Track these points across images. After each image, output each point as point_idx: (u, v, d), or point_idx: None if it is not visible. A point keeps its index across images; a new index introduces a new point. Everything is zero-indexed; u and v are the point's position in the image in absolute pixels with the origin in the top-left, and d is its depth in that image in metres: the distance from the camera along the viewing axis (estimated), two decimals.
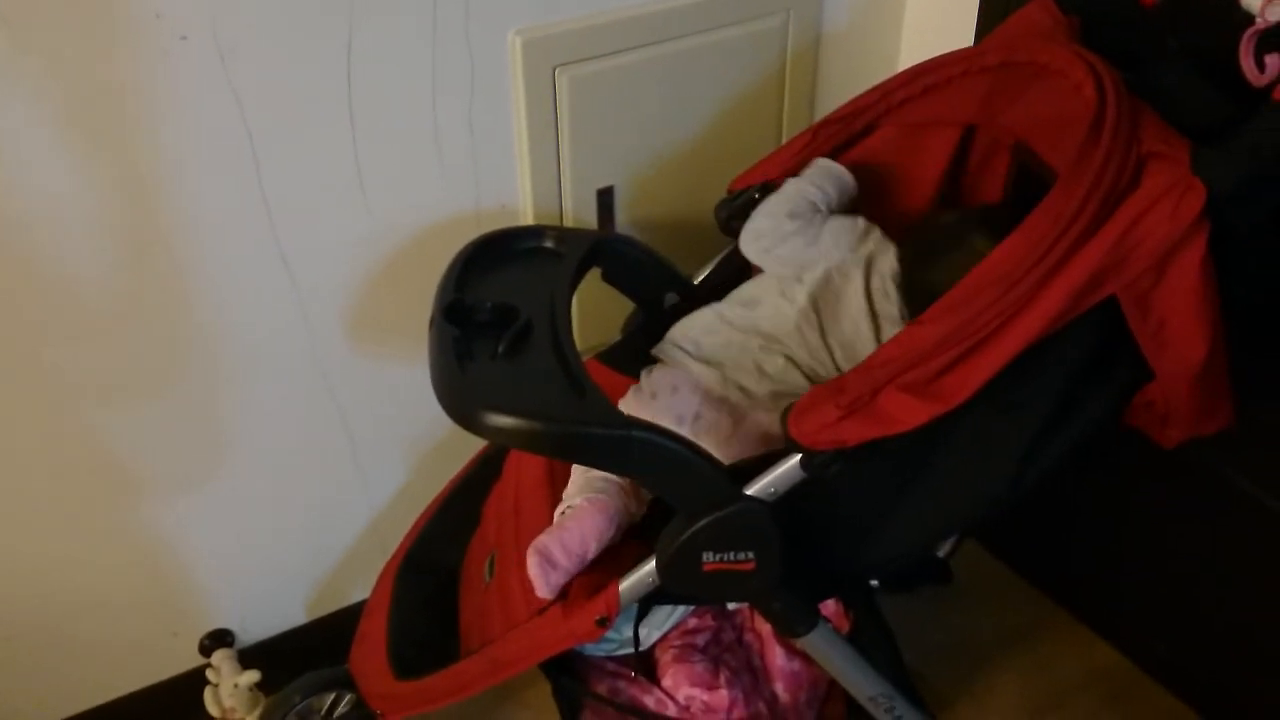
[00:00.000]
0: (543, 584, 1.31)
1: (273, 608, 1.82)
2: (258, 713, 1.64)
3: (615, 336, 1.61)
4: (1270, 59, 1.15)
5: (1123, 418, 1.33)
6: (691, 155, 1.75)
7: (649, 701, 1.58)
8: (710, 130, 1.75)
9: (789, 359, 1.41)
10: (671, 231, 1.78)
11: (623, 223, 1.73)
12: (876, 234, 1.44)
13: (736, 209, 1.48)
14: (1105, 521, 1.86)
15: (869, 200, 1.49)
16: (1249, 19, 1.18)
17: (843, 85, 1.85)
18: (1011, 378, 1.11)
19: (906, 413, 1.12)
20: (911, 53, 1.90)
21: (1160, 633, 1.85)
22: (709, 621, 1.67)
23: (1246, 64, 1.17)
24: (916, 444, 1.18)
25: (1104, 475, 1.69)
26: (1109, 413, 1.27)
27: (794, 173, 1.46)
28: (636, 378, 1.48)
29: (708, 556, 1.23)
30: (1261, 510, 1.57)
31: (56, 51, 1.23)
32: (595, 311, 1.64)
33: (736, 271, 1.55)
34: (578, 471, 1.43)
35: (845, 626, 1.60)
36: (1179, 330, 1.14)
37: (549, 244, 1.46)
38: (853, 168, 1.47)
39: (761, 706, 1.61)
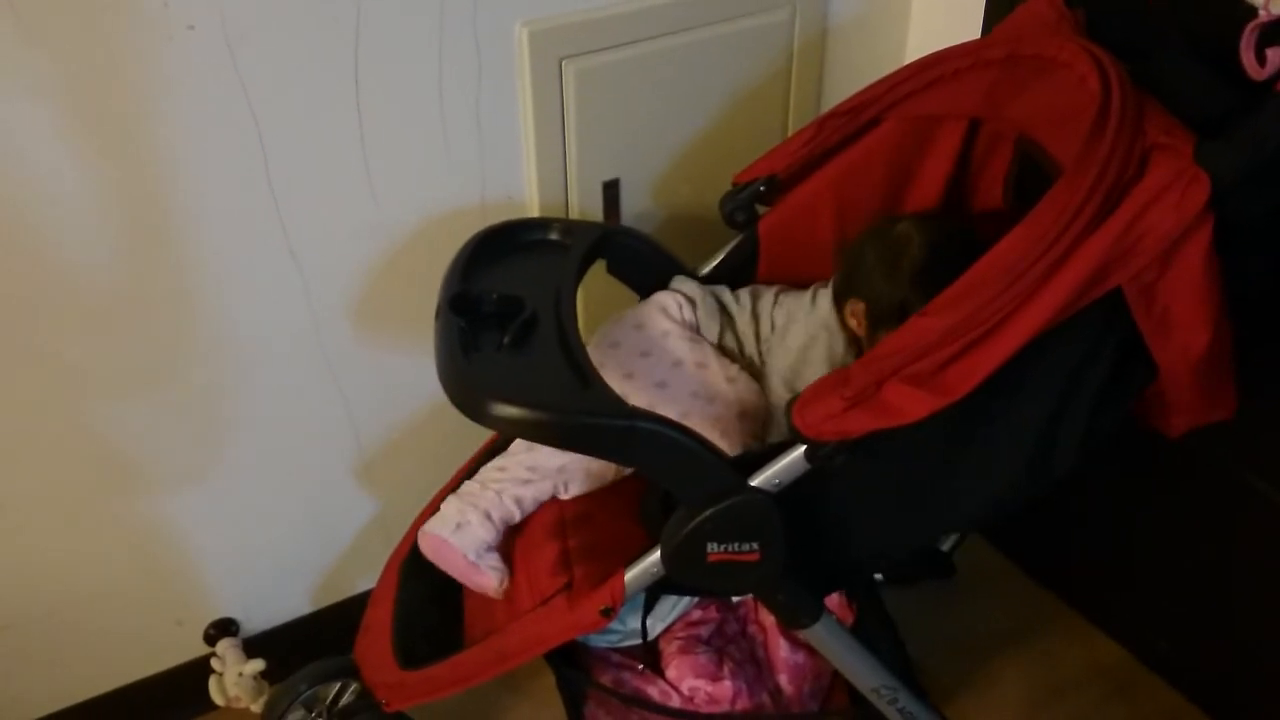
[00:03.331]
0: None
1: (278, 597, 1.83)
2: (262, 701, 1.64)
3: None
4: (1271, 52, 1.15)
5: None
6: (698, 148, 1.75)
7: (653, 693, 1.59)
8: (717, 123, 1.75)
9: None
10: (677, 224, 1.78)
11: (628, 215, 1.73)
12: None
13: (740, 202, 1.48)
14: (1108, 516, 1.87)
15: (878, 196, 1.50)
16: (1251, 12, 1.18)
17: (849, 79, 1.84)
18: (1018, 369, 1.11)
19: (911, 404, 1.12)
20: (918, 46, 1.90)
21: (1163, 627, 1.85)
22: (713, 613, 1.68)
23: (1247, 58, 1.17)
24: (922, 437, 1.18)
25: (1107, 469, 1.69)
26: (1118, 410, 1.26)
27: (799, 166, 1.47)
28: None
29: (712, 547, 1.24)
30: (1267, 504, 1.57)
31: (63, 41, 1.24)
32: (600, 303, 1.64)
33: (742, 264, 1.56)
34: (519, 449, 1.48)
35: (849, 619, 1.60)
36: (1182, 320, 1.14)
37: (555, 236, 1.47)
38: (860, 162, 1.47)
39: (765, 698, 1.61)
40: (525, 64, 1.52)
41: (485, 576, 1.44)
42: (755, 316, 1.52)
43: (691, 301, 1.51)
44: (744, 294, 1.55)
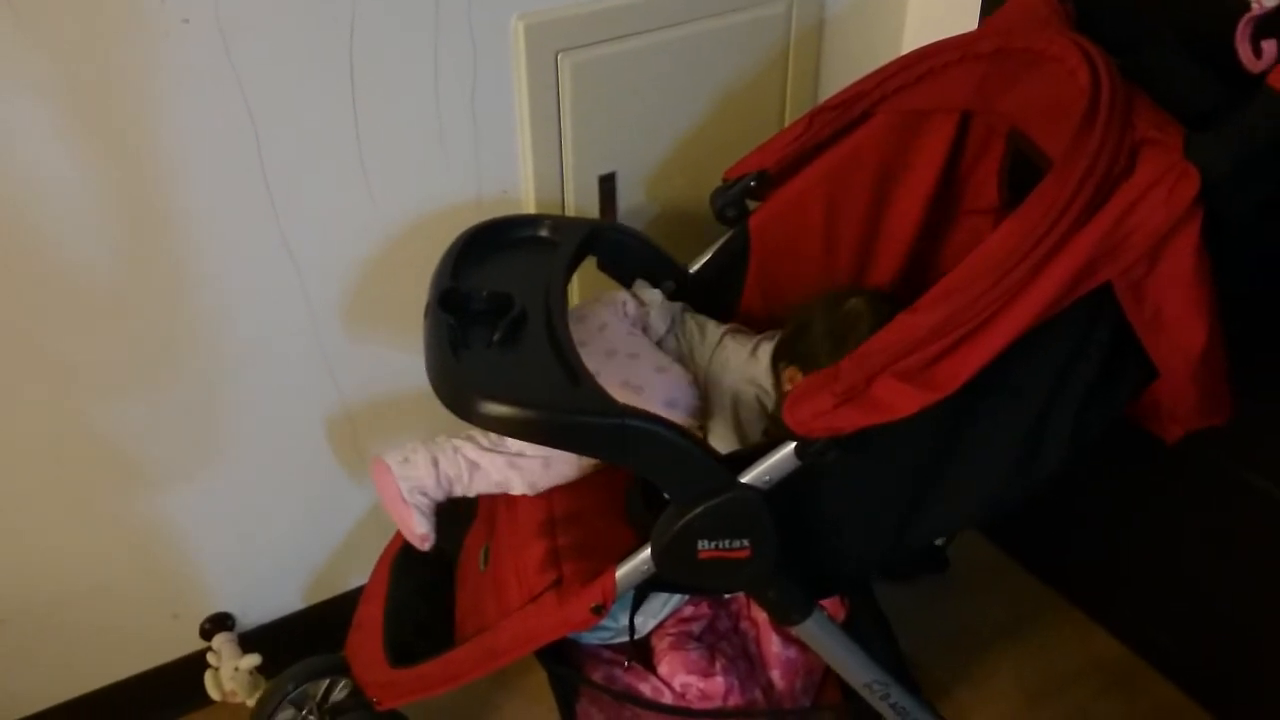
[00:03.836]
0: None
1: (273, 593, 1.83)
2: (258, 695, 1.64)
3: None
4: (1267, 44, 1.15)
5: (1126, 413, 1.32)
6: (695, 141, 1.74)
7: (645, 689, 1.59)
8: (714, 116, 1.75)
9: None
10: (674, 218, 1.78)
11: (625, 209, 1.73)
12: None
13: (731, 197, 1.48)
14: (1105, 510, 1.86)
15: (868, 191, 1.49)
16: (1244, 5, 1.17)
17: (846, 71, 1.84)
18: (1007, 365, 1.10)
19: (901, 400, 1.11)
20: (915, 38, 1.89)
21: (1160, 622, 1.85)
22: (705, 609, 1.68)
23: (1243, 49, 1.17)
24: (911, 433, 1.18)
25: (1105, 464, 1.69)
26: (1108, 409, 1.26)
27: (789, 161, 1.47)
28: None
29: (703, 544, 1.24)
30: (1264, 500, 1.57)
31: (60, 35, 1.24)
32: None
33: (733, 260, 1.56)
34: None
35: (841, 614, 1.60)
36: (1174, 318, 1.13)
37: (544, 233, 1.46)
38: (850, 157, 1.47)
39: (757, 694, 1.62)
40: (521, 57, 1.52)
41: (410, 516, 1.46)
42: (689, 353, 1.53)
43: (642, 304, 1.52)
44: (692, 323, 1.55)
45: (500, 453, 1.46)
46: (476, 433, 1.50)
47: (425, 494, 1.47)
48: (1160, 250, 1.09)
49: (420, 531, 1.47)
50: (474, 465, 1.47)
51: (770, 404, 1.48)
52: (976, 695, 1.84)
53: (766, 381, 1.48)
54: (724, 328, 1.55)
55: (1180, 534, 1.75)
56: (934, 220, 1.51)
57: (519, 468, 1.45)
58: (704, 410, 1.48)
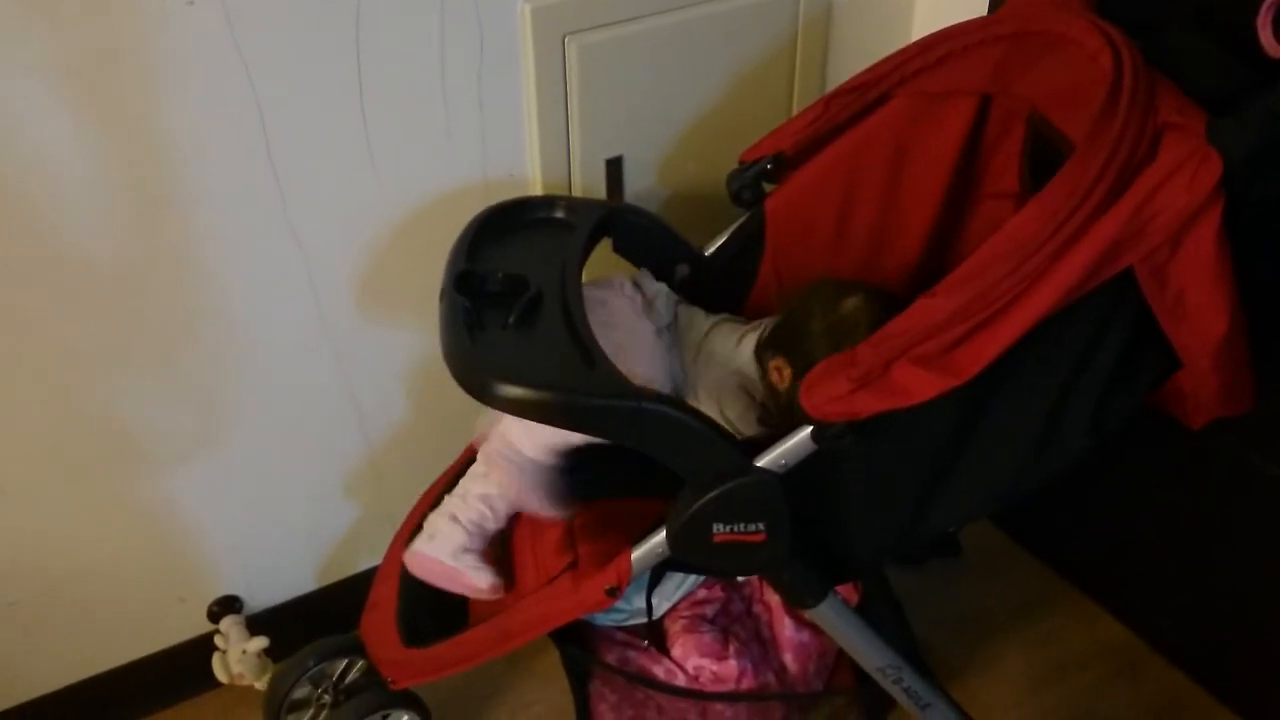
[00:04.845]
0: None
1: (281, 575, 1.83)
2: (266, 679, 1.65)
3: None
4: None
5: (1148, 402, 1.31)
6: (702, 125, 1.74)
7: (658, 671, 1.59)
8: (721, 100, 1.74)
9: None
10: (681, 202, 1.77)
11: (632, 193, 1.72)
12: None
13: (748, 180, 1.47)
14: (1115, 497, 1.86)
15: (885, 175, 1.49)
16: None
17: (855, 55, 1.83)
18: (1026, 351, 1.10)
19: (918, 385, 1.11)
20: (924, 22, 1.89)
21: (1167, 607, 1.85)
22: (718, 593, 1.68)
23: (1264, 35, 1.16)
24: (928, 419, 1.18)
25: (1116, 451, 1.68)
26: (1130, 397, 1.25)
27: (806, 144, 1.46)
28: None
29: (718, 528, 1.24)
30: (1272, 485, 1.57)
31: (62, 17, 1.23)
32: None
33: (748, 243, 1.55)
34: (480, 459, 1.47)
35: (854, 598, 1.60)
36: (1197, 304, 1.13)
37: (560, 214, 1.46)
38: (868, 140, 1.46)
39: (770, 677, 1.62)
40: (528, 40, 1.51)
41: (466, 576, 1.44)
42: (680, 342, 1.52)
43: (639, 289, 1.52)
44: (684, 314, 1.54)
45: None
46: (473, 467, 1.50)
47: (466, 550, 1.45)
48: (1182, 236, 1.08)
49: (484, 584, 1.45)
50: (487, 497, 1.46)
51: (758, 393, 1.47)
52: (984, 679, 1.85)
53: (750, 370, 1.47)
54: (712, 319, 1.54)
55: (1190, 521, 1.75)
56: (953, 204, 1.50)
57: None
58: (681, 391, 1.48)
